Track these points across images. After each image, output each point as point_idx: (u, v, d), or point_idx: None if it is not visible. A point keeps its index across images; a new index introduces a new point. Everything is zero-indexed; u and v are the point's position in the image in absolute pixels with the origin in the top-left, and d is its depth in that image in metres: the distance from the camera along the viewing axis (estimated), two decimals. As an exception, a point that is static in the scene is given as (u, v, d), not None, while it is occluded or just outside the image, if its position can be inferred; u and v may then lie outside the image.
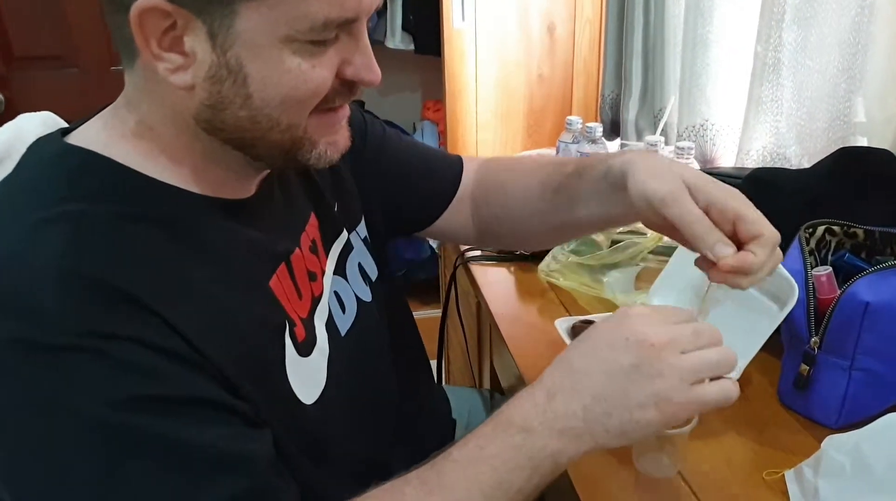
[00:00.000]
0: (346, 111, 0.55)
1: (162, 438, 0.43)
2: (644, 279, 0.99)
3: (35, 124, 0.62)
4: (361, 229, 0.73)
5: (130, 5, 0.44)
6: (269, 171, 0.60)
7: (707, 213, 0.54)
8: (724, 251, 0.52)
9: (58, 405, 0.41)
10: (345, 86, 0.52)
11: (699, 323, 0.50)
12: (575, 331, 0.79)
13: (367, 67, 0.52)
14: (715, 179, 0.57)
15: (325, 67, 0.49)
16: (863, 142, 0.95)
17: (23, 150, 0.53)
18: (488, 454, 0.47)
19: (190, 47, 0.46)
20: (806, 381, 0.68)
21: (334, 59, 0.50)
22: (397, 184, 0.78)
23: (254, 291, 0.54)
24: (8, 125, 0.61)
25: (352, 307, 0.67)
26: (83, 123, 0.54)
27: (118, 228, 0.47)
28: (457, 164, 0.83)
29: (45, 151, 0.52)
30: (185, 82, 0.47)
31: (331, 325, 0.62)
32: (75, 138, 0.52)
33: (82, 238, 0.45)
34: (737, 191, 0.56)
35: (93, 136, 0.52)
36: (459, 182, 0.81)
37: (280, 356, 0.54)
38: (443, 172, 0.81)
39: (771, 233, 0.54)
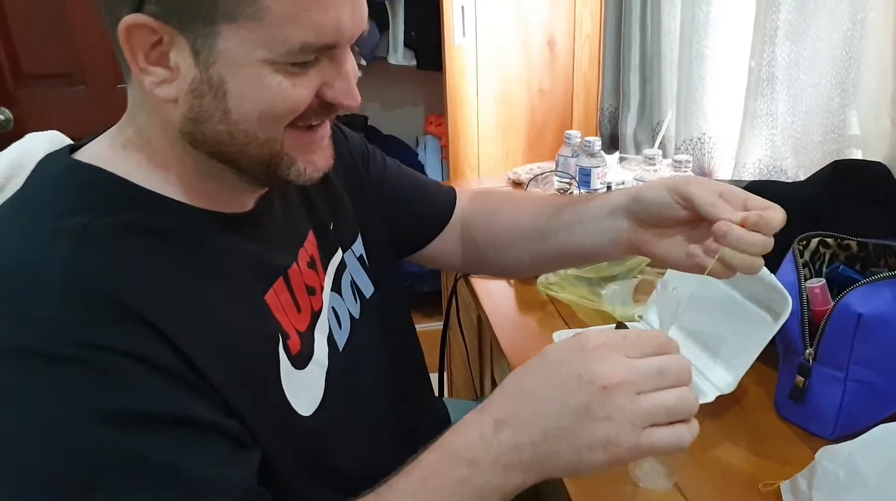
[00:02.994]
0: (325, 131, 0.56)
1: (142, 456, 0.43)
2: (642, 292, 0.99)
3: (42, 143, 0.63)
4: (357, 247, 0.75)
5: (119, 21, 0.46)
6: (268, 188, 0.61)
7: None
8: (740, 215, 0.56)
9: (45, 415, 0.42)
10: (323, 106, 0.53)
11: (667, 359, 0.45)
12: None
13: (346, 93, 0.52)
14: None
15: (304, 87, 0.50)
16: (857, 154, 0.96)
17: (30, 168, 0.54)
18: (432, 487, 0.46)
19: (174, 62, 0.48)
20: (801, 392, 0.69)
21: (315, 79, 0.51)
22: (393, 211, 0.81)
23: (249, 303, 0.55)
24: (16, 145, 0.63)
25: (346, 323, 0.68)
26: (91, 140, 0.56)
27: (120, 240, 0.48)
28: (451, 193, 0.87)
29: (52, 166, 0.53)
30: (169, 95, 0.49)
31: (331, 340, 0.64)
32: (81, 154, 0.54)
33: (85, 250, 0.46)
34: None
35: (98, 151, 0.54)
36: (452, 211, 0.85)
37: (275, 368, 0.55)
38: (437, 201, 0.85)
39: (777, 206, 0.57)
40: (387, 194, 0.80)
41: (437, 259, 0.86)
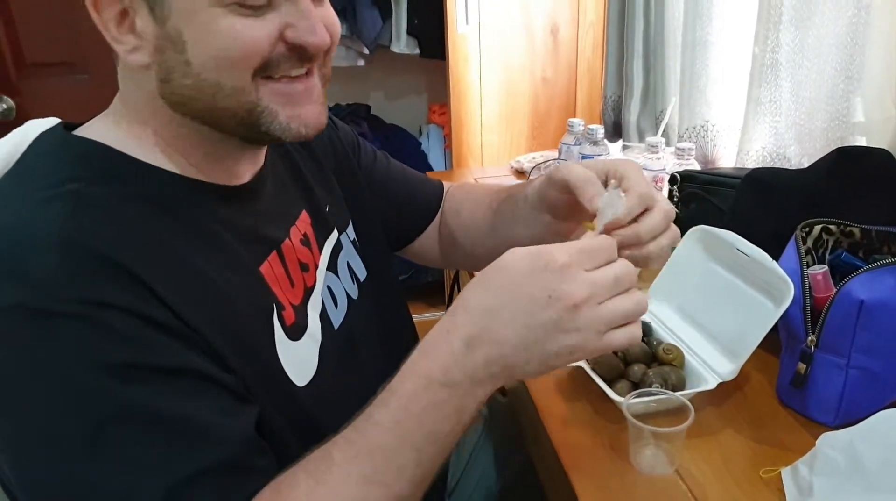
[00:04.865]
0: (309, 84, 0.56)
1: (144, 406, 0.44)
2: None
3: (41, 130, 0.64)
4: (350, 232, 0.77)
5: None
6: (261, 164, 0.62)
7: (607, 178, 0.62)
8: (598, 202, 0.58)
9: (48, 370, 0.43)
10: (294, 52, 0.53)
11: (618, 267, 0.49)
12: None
13: (310, 30, 0.52)
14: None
15: (260, 29, 0.50)
16: (861, 141, 0.96)
17: None
18: (413, 413, 0.47)
19: (140, 27, 0.50)
20: (803, 379, 0.69)
21: (275, 22, 0.51)
22: (382, 206, 0.82)
23: (244, 273, 0.56)
24: (15, 131, 0.63)
25: (342, 303, 0.69)
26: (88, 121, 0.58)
27: (114, 206, 0.49)
28: (437, 190, 0.89)
29: (48, 140, 0.55)
30: (142, 61, 0.51)
31: (324, 317, 0.65)
32: (78, 130, 0.55)
33: (81, 213, 0.47)
34: (633, 164, 0.63)
35: (93, 127, 0.56)
36: (437, 209, 0.87)
37: (269, 337, 0.56)
38: (423, 198, 0.87)
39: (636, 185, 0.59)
40: (376, 189, 0.82)
41: (420, 255, 0.89)
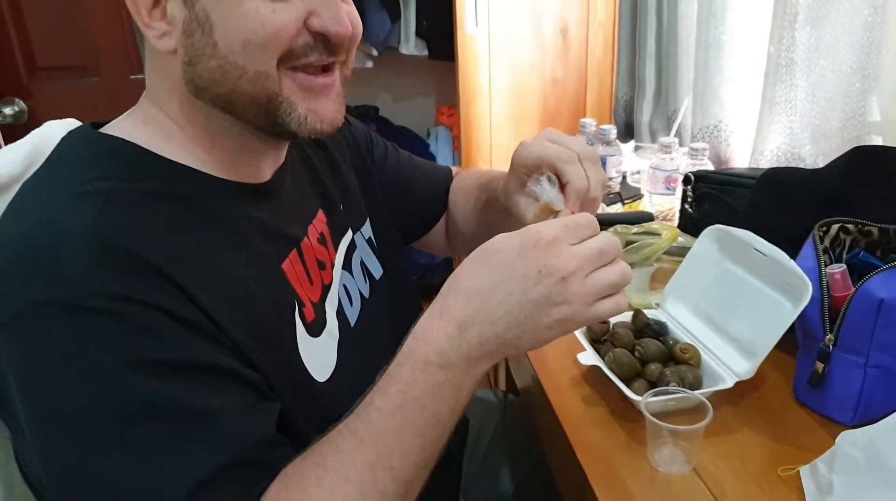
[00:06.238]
0: (329, 80, 0.57)
1: (170, 402, 0.45)
2: (658, 280, 0.99)
3: (60, 131, 0.65)
4: (366, 229, 0.77)
5: None
6: (282, 161, 0.63)
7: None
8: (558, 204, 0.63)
9: (78, 364, 0.44)
10: (318, 41, 0.54)
11: (602, 239, 0.51)
12: (590, 332, 0.79)
13: (334, 19, 0.54)
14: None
15: (286, 13, 0.52)
16: (878, 141, 0.95)
17: (48, 154, 0.56)
18: (413, 396, 0.48)
19: (171, 12, 0.51)
20: (821, 378, 0.68)
21: (299, 8, 0.52)
22: (393, 201, 0.83)
23: (267, 270, 0.56)
24: (34, 132, 0.65)
25: (357, 302, 0.70)
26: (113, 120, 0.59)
27: (143, 203, 0.50)
28: (447, 179, 0.90)
29: (76, 139, 0.56)
30: (170, 47, 0.53)
31: (341, 314, 0.65)
32: (105, 128, 0.56)
33: (111, 210, 0.48)
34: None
35: (120, 125, 0.57)
36: (447, 198, 0.89)
37: (291, 334, 0.56)
38: (434, 189, 0.89)
39: (559, 159, 0.63)
40: (389, 183, 0.83)
41: (429, 243, 0.91)
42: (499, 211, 0.76)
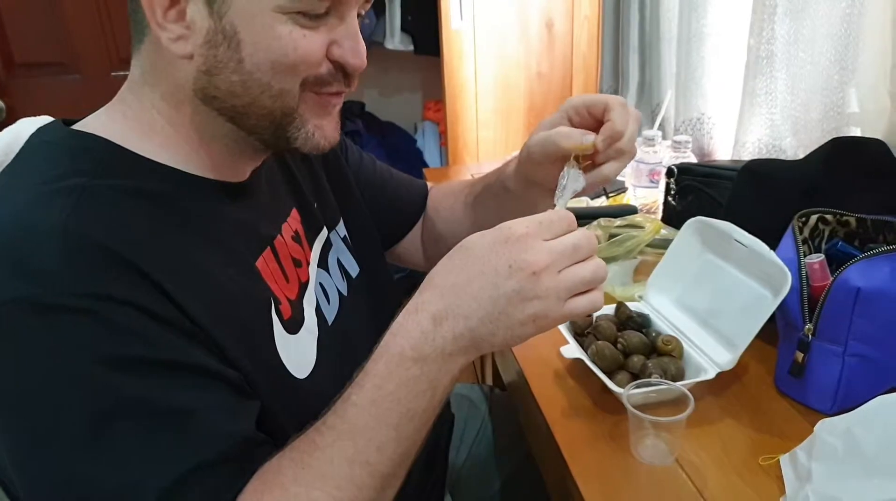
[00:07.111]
0: (339, 101, 0.58)
1: (146, 401, 0.44)
2: (642, 272, 1.00)
3: (33, 128, 0.64)
4: (341, 228, 0.77)
5: None
6: (261, 161, 0.63)
7: (580, 117, 0.66)
8: (590, 138, 0.63)
9: (51, 362, 0.43)
10: (338, 70, 0.55)
11: (577, 235, 0.51)
12: (574, 326, 0.80)
13: (353, 51, 0.54)
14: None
15: (315, 40, 0.52)
16: (856, 132, 0.96)
17: None
18: (388, 391, 0.48)
19: (191, 17, 0.50)
20: (801, 368, 0.69)
21: (325, 35, 0.53)
22: (370, 205, 0.83)
23: (242, 268, 0.56)
24: (7, 130, 0.64)
25: (335, 300, 0.69)
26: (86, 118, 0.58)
27: (117, 200, 0.49)
28: (422, 191, 0.90)
29: (47, 135, 0.55)
30: (185, 51, 0.51)
31: (319, 312, 0.65)
32: (78, 124, 0.55)
33: (85, 207, 0.47)
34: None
35: (97, 120, 0.56)
36: (421, 211, 0.88)
37: (268, 331, 0.56)
38: (408, 200, 0.89)
39: (613, 99, 0.64)
40: (363, 190, 0.83)
41: (402, 256, 0.90)
42: (498, 195, 0.76)
